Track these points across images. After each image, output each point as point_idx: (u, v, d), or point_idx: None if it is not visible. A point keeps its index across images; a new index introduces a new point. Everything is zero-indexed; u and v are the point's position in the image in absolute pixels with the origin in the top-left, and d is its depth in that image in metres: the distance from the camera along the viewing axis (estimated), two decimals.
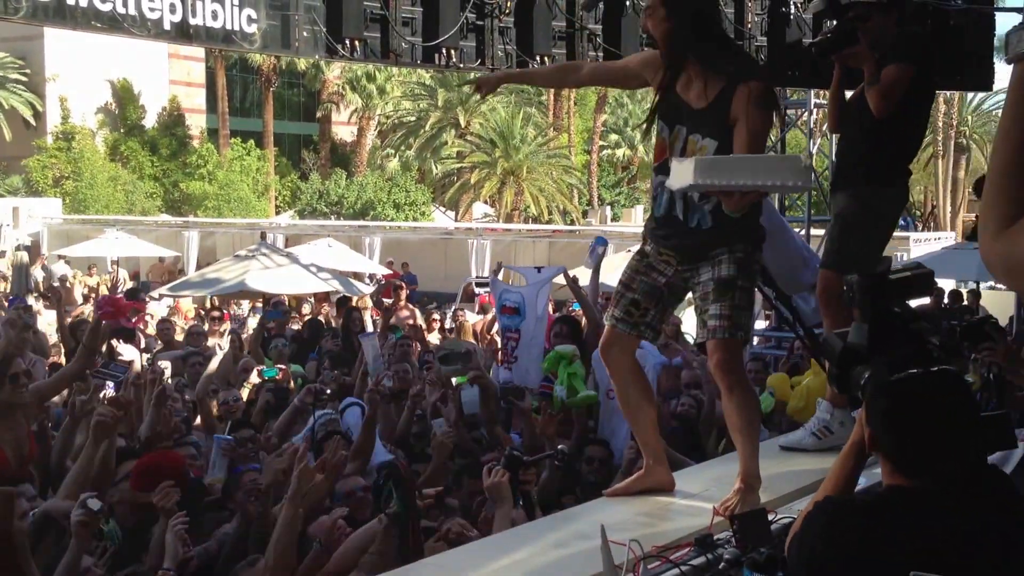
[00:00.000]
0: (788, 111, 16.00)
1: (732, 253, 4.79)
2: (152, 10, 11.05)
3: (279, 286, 22.04)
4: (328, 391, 9.26)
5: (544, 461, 6.52)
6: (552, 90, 51.08)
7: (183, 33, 11.60)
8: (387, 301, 17.09)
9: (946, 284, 21.10)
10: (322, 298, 21.97)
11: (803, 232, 15.48)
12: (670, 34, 4.95)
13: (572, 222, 46.10)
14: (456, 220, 46.91)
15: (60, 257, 31.56)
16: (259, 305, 22.46)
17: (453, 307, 21.96)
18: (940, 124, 54.07)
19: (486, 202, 49.54)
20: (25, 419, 7.51)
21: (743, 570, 3.76)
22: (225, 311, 20.53)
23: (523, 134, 47.47)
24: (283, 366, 11.27)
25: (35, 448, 7.30)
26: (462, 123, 50.85)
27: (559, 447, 6.47)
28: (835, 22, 6.25)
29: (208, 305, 22.02)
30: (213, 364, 11.18)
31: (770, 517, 4.18)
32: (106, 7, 10.73)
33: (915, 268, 3.66)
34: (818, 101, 15.01)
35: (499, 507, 5.56)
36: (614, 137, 61.22)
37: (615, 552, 3.85)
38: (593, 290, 11.00)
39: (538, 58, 12.96)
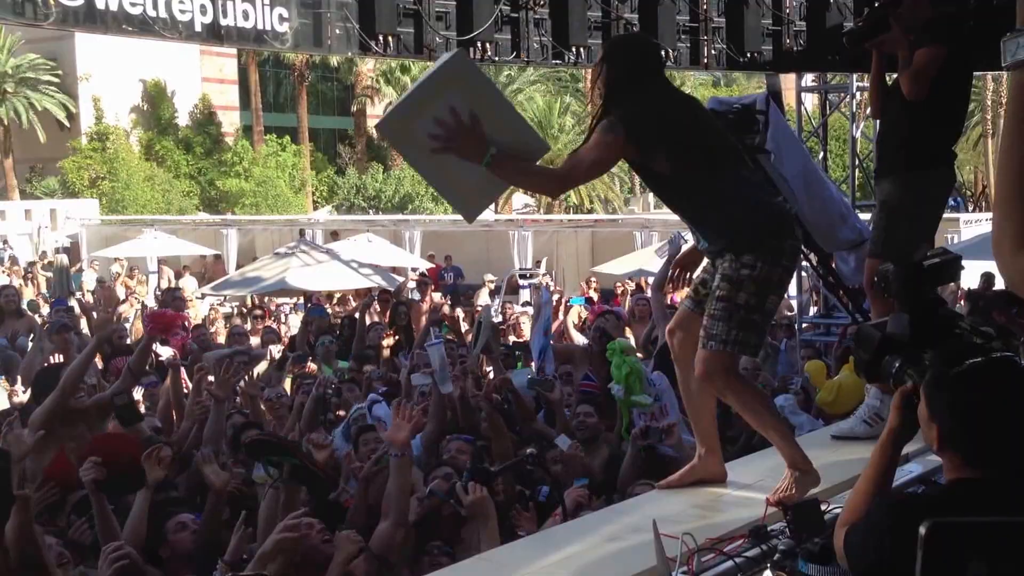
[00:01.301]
0: (830, 95, 15.77)
1: (721, 261, 4.84)
2: (182, 12, 10.98)
3: (320, 283, 21.99)
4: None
5: (511, 469, 6.35)
6: (590, 78, 50.75)
7: (214, 34, 11.54)
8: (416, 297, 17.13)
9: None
10: (364, 294, 21.89)
11: None
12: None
13: (614, 211, 45.89)
14: (496, 211, 46.73)
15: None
16: (301, 302, 22.46)
17: (498, 300, 21.80)
18: (989, 103, 53.28)
19: (526, 192, 49.24)
20: (88, 428, 7.62)
21: (798, 561, 3.76)
22: (266, 308, 20.54)
23: (561, 123, 47.26)
24: (313, 364, 11.46)
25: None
26: None
27: (528, 450, 6.29)
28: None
29: (249, 304, 21.99)
30: (262, 366, 11.19)
31: (823, 507, 4.14)
32: (136, 10, 10.67)
33: (942, 254, 3.76)
34: (860, 85, 14.77)
35: (485, 524, 5.42)
36: None
37: (668, 546, 3.86)
38: (661, 277, 10.96)
39: (574, 49, 12.80)
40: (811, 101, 17.33)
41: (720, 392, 4.96)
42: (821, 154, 15.78)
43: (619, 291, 21.40)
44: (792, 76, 15.79)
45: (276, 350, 12.92)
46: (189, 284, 27.04)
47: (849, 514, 3.25)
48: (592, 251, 29.86)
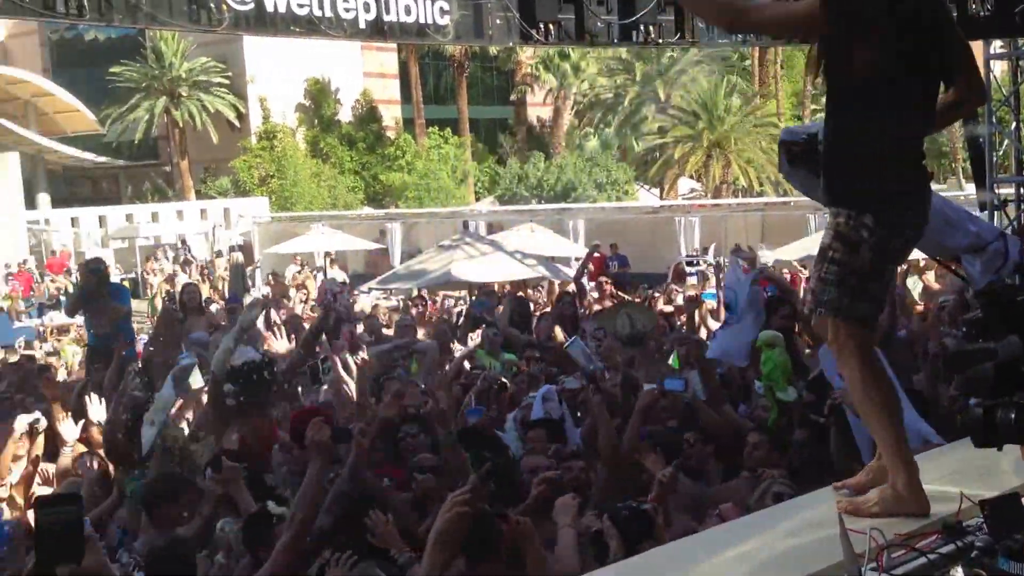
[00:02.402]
0: (1021, 62, 14.89)
1: (836, 217, 4.30)
2: (347, 10, 11.15)
3: (485, 274, 22.03)
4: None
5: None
6: (757, 55, 49.62)
7: (378, 31, 11.69)
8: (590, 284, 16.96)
9: None
10: (529, 285, 21.88)
11: (1012, 192, 14.59)
12: None
13: (785, 193, 44.64)
14: (661, 197, 46.26)
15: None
16: (464, 294, 22.57)
17: (667, 287, 21.53)
18: None
19: (692, 177, 48.50)
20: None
21: (998, 558, 3.52)
22: (431, 301, 20.68)
23: (727, 104, 46.26)
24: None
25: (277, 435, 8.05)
26: (662, 96, 50.06)
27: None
28: None
29: (415, 295, 22.18)
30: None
31: None
32: (303, 11, 10.85)
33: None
34: None
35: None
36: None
37: (854, 541, 3.67)
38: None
39: None
40: (1000, 68, 16.54)
41: (840, 363, 4.47)
42: (1013, 124, 15.04)
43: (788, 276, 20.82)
44: (979, 43, 15.07)
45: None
46: (337, 276, 27.39)
47: None
48: (763, 235, 29.04)
